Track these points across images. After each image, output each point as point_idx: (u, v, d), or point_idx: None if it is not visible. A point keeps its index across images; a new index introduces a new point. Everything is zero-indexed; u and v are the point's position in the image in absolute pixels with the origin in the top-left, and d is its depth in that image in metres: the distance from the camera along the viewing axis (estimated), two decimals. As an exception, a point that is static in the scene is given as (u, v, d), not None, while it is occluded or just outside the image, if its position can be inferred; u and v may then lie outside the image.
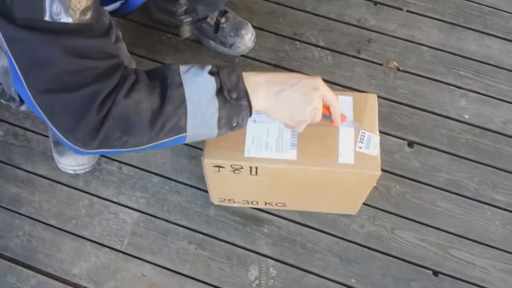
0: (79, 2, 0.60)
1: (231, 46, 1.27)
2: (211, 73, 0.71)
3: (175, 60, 1.29)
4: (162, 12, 1.20)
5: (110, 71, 0.65)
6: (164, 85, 0.69)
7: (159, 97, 0.68)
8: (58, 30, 0.60)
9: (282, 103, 0.75)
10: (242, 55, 1.30)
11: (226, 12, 1.26)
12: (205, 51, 1.30)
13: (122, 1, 0.83)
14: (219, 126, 0.72)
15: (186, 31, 1.09)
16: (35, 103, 0.64)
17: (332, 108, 0.81)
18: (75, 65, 0.62)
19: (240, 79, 0.72)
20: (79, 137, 0.66)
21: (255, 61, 1.30)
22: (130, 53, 1.28)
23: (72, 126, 0.65)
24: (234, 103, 0.71)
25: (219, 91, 0.70)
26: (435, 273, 1.08)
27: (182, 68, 0.71)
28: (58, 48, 0.60)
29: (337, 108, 0.82)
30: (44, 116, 0.65)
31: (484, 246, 1.10)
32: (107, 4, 0.82)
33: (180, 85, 0.69)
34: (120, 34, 0.81)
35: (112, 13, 0.85)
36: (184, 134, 0.71)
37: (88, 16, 0.61)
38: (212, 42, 1.28)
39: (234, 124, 0.73)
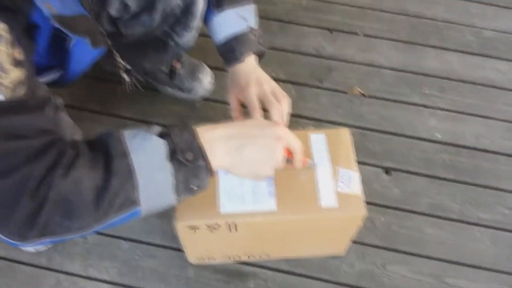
0: (8, 77, 0.52)
1: (189, 91, 1.21)
2: (160, 135, 0.63)
3: (132, 111, 1.22)
4: (112, 64, 1.13)
5: (44, 149, 0.57)
6: (108, 157, 0.61)
7: (102, 171, 0.60)
8: None
9: (243, 160, 0.68)
10: (204, 99, 1.24)
11: (180, 56, 1.20)
12: (164, 98, 1.24)
13: (62, 72, 0.76)
14: (177, 193, 0.64)
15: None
16: None
17: (295, 155, 0.75)
18: (6, 148, 0.54)
19: (194, 136, 0.64)
20: (14, 229, 0.57)
21: (217, 103, 1.24)
22: (84, 109, 1.22)
23: (4, 218, 0.56)
24: (190, 165, 0.63)
25: (172, 154, 0.62)
26: (433, 305, 1.03)
27: (127, 134, 0.63)
28: None
29: (300, 154, 0.76)
30: None
31: (478, 269, 1.06)
32: (43, 75, 0.74)
33: (125, 154, 0.61)
34: (61, 102, 0.74)
35: (52, 84, 0.78)
36: (137, 208, 0.63)
37: (21, 91, 0.54)
38: (169, 89, 1.22)
39: (194, 188, 0.66)
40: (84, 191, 0.58)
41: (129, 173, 0.60)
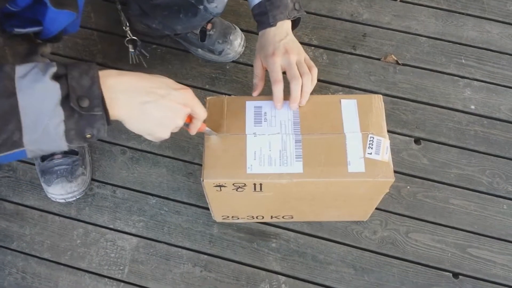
0: None
1: (220, 53, 1.20)
2: (56, 76, 0.59)
3: (162, 72, 1.22)
4: (143, 24, 1.13)
5: None
6: None
7: None
8: None
9: (143, 116, 0.66)
10: (233, 61, 1.23)
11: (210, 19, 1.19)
12: (194, 59, 1.24)
13: (41, 27, 0.75)
14: (68, 139, 0.61)
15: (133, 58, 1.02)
16: None
17: (196, 121, 0.74)
18: None
19: (95, 82, 0.60)
20: None
21: (247, 67, 1.23)
22: (114, 68, 1.23)
23: None
24: (85, 113, 0.59)
25: (65, 100, 0.59)
26: (455, 275, 1.02)
27: (19, 71, 0.59)
28: None
29: (200, 122, 0.75)
30: None
31: (503, 242, 1.05)
32: (24, 27, 0.74)
33: (12, 94, 0.57)
34: (47, 50, 0.78)
35: (37, 35, 0.78)
36: (21, 149, 0.59)
37: None
38: (200, 51, 1.21)
39: (88, 136, 0.62)
40: None
41: (13, 114, 0.57)
